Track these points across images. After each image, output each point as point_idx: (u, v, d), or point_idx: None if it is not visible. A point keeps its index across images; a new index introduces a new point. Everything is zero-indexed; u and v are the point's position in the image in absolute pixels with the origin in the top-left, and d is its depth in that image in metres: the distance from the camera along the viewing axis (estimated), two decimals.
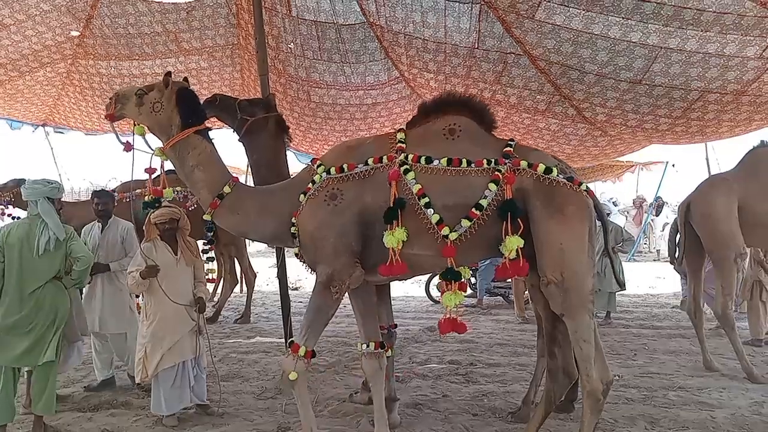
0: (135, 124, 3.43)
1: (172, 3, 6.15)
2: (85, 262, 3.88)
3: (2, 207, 6.61)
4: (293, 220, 3.30)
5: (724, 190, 5.07)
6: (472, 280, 8.49)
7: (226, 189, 3.37)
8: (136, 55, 6.95)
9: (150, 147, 3.48)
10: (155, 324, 3.99)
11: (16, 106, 8.37)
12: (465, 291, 4.44)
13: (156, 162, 3.46)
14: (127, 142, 3.44)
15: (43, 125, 9.33)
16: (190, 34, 6.67)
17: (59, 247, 3.83)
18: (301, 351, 3.24)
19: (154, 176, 3.47)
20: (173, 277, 4.05)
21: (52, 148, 10.32)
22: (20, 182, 6.17)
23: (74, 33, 6.61)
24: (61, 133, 9.33)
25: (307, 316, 3.31)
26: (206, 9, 6.33)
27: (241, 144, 4.17)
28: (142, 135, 3.45)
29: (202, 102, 4.43)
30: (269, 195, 3.55)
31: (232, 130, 4.34)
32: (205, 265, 4.65)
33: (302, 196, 3.29)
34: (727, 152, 8.43)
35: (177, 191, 6.09)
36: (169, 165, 3.50)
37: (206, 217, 3.45)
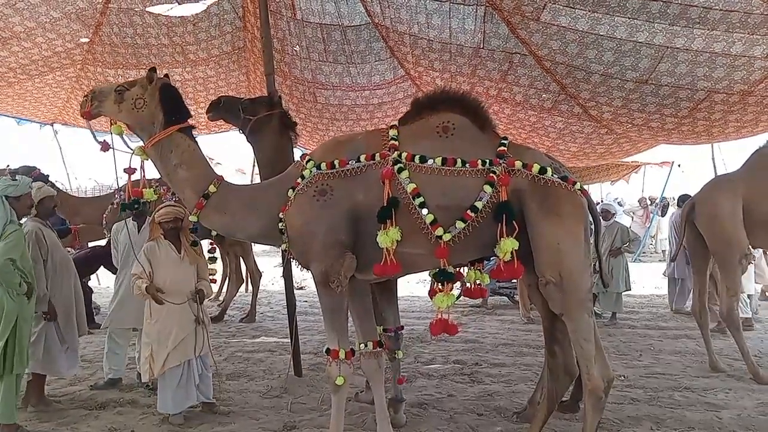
0: (112, 123, 3.31)
1: (179, 16, 6.20)
2: None
3: None
4: (281, 215, 3.23)
5: (728, 190, 5.05)
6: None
7: (212, 188, 3.27)
8: (143, 65, 6.99)
9: (129, 146, 3.37)
10: (160, 322, 4.01)
11: (25, 105, 8.43)
12: (485, 296, 4.40)
13: (136, 162, 3.35)
14: (104, 141, 3.34)
15: (51, 124, 9.39)
16: (197, 46, 6.77)
17: None
18: (341, 354, 3.23)
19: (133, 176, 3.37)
20: (177, 276, 4.07)
21: (60, 148, 10.39)
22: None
23: (84, 40, 6.67)
24: (74, 126, 9.35)
25: (326, 322, 3.32)
26: (213, 18, 6.40)
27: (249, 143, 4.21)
28: (120, 134, 3.31)
29: (208, 105, 4.47)
30: (257, 192, 3.51)
31: (239, 130, 4.37)
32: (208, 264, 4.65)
33: (291, 191, 3.22)
34: (734, 152, 8.42)
35: None
36: (150, 165, 3.38)
37: (192, 218, 3.36)
